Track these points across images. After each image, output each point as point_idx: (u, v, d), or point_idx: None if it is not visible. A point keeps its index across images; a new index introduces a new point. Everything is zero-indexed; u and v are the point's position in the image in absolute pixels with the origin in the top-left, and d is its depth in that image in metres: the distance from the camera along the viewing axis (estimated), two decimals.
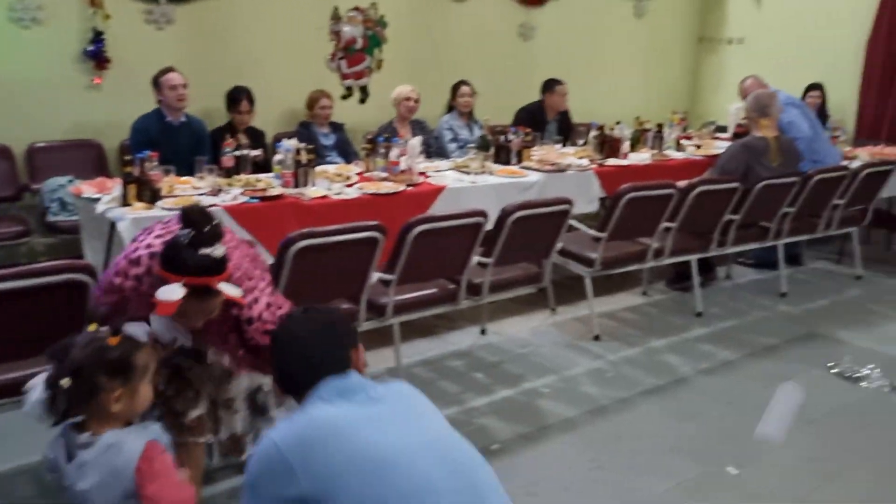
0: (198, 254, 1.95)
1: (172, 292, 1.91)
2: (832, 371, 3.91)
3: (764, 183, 4.60)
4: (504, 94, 6.20)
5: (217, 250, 1.98)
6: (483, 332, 4.31)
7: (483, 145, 4.85)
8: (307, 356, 1.70)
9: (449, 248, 3.47)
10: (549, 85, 6.08)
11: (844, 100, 6.80)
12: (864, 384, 3.80)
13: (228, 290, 2.02)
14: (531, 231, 3.70)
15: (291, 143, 4.06)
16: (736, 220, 4.65)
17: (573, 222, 4.12)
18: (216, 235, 2.00)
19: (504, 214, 3.59)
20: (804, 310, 4.85)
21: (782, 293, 5.06)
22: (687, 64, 8.04)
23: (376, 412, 1.62)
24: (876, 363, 3.96)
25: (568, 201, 3.78)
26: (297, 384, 1.70)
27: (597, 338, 4.25)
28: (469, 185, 4.35)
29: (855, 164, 5.33)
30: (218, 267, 2.00)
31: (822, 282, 5.45)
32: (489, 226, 3.60)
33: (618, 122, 5.48)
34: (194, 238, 1.96)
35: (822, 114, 6.43)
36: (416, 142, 4.42)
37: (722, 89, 7.72)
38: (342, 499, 1.49)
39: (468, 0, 6.36)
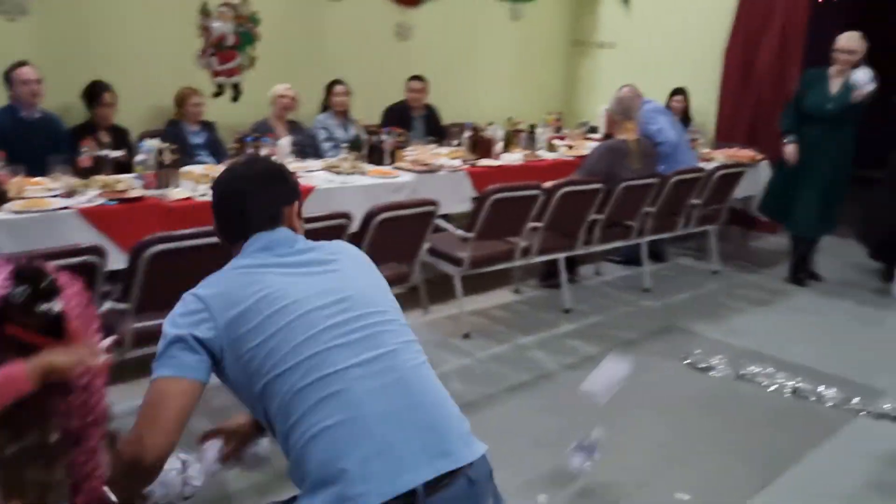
0: (36, 312, 1.87)
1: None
2: (685, 362, 4.15)
3: (626, 184, 4.81)
4: (380, 93, 6.20)
5: (55, 305, 1.90)
6: None
7: (355, 145, 4.85)
8: (239, 209, 1.79)
9: None
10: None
11: (706, 104, 7.15)
12: (712, 374, 4.05)
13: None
14: (398, 232, 3.74)
15: (153, 143, 3.95)
16: (601, 220, 4.85)
17: (440, 222, 4.19)
18: (54, 290, 1.92)
19: (369, 216, 3.61)
20: (665, 304, 5.11)
21: (645, 289, 5.31)
22: (561, 66, 8.28)
23: (294, 262, 1.74)
24: (724, 354, 4.22)
25: (433, 202, 3.84)
26: (230, 234, 1.82)
27: (467, 335, 4.34)
28: (339, 186, 4.34)
29: (711, 166, 5.65)
30: (59, 324, 1.92)
31: (682, 277, 5.75)
32: (356, 227, 3.61)
33: (490, 123, 5.60)
34: (30, 295, 1.88)
35: (685, 118, 6.78)
36: (285, 141, 4.39)
37: (595, 91, 7.98)
38: (248, 337, 1.62)
39: None
